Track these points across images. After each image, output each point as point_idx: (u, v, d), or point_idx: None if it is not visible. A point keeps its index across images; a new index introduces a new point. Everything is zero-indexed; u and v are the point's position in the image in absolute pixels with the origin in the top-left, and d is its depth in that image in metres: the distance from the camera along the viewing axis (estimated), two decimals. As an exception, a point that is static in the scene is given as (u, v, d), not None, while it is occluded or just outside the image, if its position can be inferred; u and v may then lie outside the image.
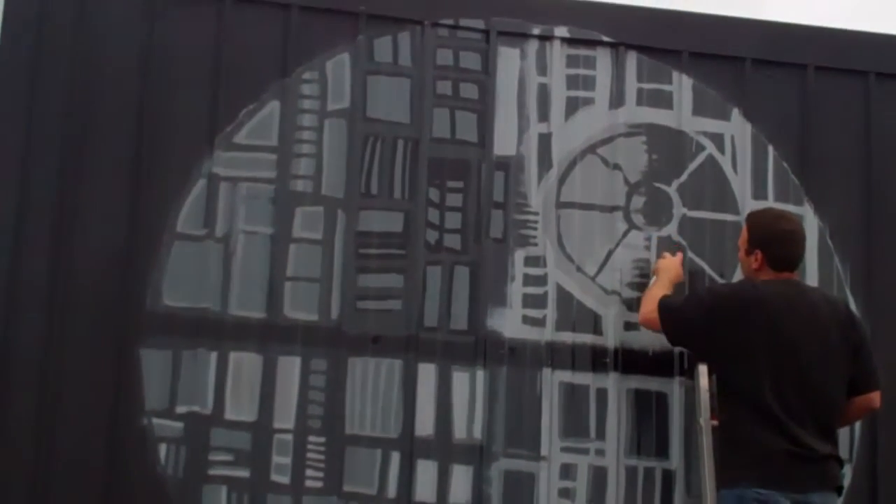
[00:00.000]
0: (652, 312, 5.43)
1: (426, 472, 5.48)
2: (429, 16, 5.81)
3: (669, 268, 5.64)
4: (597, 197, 5.80)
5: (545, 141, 5.80)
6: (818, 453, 5.10)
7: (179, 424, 5.37)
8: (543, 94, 5.83)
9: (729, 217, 5.86)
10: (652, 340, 5.67)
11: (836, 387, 5.22)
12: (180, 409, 5.38)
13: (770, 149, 5.94)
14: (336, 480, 5.42)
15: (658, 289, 5.55)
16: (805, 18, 6.28)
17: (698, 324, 5.28)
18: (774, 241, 5.34)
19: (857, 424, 5.70)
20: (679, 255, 5.72)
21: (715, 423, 5.33)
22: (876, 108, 6.04)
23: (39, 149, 5.44)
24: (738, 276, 5.73)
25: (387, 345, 5.54)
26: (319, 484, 5.41)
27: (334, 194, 5.62)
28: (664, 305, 5.41)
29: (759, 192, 5.90)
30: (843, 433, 5.54)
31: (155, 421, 5.35)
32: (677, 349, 5.62)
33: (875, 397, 5.36)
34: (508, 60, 5.84)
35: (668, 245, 5.78)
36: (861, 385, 5.31)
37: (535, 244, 5.71)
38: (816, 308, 5.26)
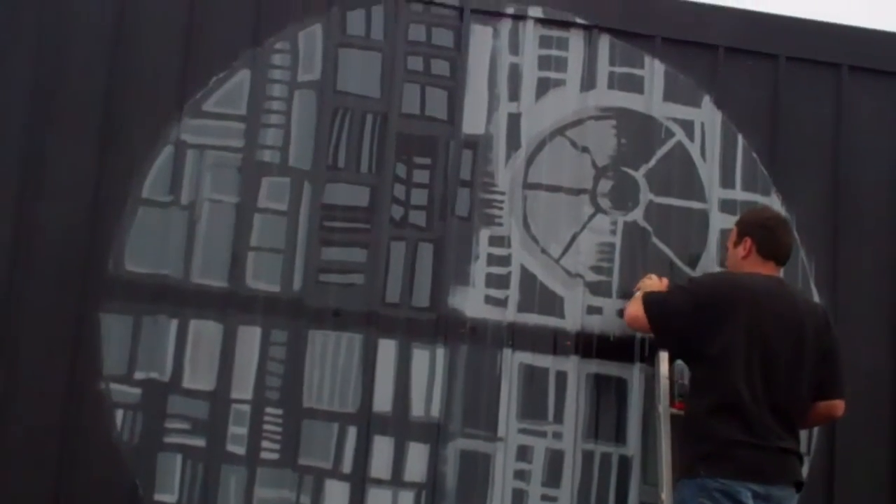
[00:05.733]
0: (637, 310, 5.37)
1: (382, 448, 5.48)
2: (403, -10, 5.79)
3: (654, 287, 5.56)
4: (564, 179, 5.79)
5: (514, 121, 5.78)
6: (780, 446, 5.11)
7: (137, 391, 5.36)
8: (515, 74, 5.81)
9: (695, 204, 5.86)
10: (613, 326, 5.68)
11: (803, 387, 5.22)
12: (139, 376, 5.37)
13: (740, 138, 5.92)
14: (292, 453, 5.41)
15: (641, 293, 5.49)
16: (781, 8, 6.26)
17: (686, 313, 5.24)
18: (763, 227, 5.37)
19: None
20: (665, 280, 5.62)
21: (680, 410, 5.35)
22: (847, 100, 6.03)
23: (6, 111, 5.42)
24: (702, 266, 5.77)
25: (347, 319, 5.53)
26: (275, 456, 5.40)
27: (301, 166, 5.60)
28: (650, 297, 5.38)
29: (727, 180, 5.89)
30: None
31: (113, 386, 5.35)
32: (639, 335, 5.62)
33: (838, 405, 5.36)
34: (481, 39, 5.81)
35: (633, 230, 5.77)
36: (826, 391, 5.31)
37: (501, 224, 5.70)
38: (796, 308, 5.27)
